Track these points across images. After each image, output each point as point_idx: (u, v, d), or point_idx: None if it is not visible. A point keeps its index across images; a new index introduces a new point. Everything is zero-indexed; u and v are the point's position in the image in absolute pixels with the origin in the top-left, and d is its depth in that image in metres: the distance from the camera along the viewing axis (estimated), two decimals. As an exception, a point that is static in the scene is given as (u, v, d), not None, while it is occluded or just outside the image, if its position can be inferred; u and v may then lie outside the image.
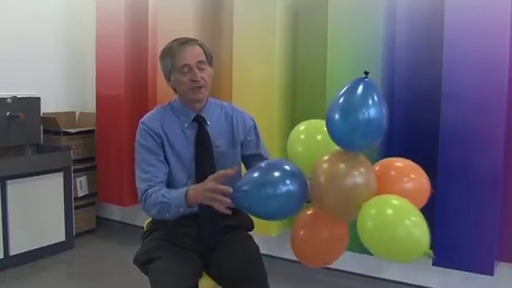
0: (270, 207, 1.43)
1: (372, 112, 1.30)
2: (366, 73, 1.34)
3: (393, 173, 1.48)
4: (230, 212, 1.50)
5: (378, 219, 1.32)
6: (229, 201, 1.46)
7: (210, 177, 1.53)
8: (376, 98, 1.32)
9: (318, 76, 2.71)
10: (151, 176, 1.72)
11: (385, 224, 1.31)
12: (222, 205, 1.47)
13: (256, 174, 1.45)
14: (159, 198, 1.64)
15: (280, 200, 1.41)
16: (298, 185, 1.42)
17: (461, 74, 2.31)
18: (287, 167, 1.45)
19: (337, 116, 1.34)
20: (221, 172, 1.53)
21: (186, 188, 1.62)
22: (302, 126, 1.65)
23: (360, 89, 1.32)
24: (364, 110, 1.30)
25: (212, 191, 1.48)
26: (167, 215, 1.65)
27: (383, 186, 1.41)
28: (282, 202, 1.42)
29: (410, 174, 1.48)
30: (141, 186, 1.72)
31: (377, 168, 1.49)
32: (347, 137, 1.36)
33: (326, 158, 1.43)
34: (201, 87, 1.74)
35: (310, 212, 1.58)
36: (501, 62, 2.22)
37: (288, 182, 1.41)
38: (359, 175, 1.37)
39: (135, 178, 1.77)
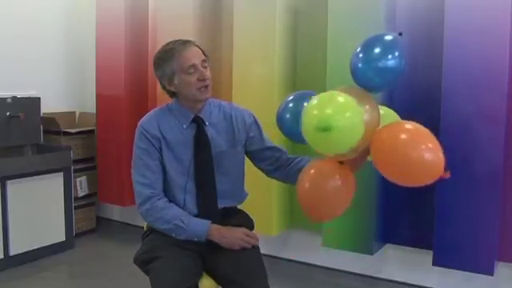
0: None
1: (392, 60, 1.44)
2: (400, 34, 1.49)
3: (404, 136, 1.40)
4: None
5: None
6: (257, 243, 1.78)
7: (243, 233, 1.76)
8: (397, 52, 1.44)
9: (318, 76, 2.71)
10: (152, 182, 1.75)
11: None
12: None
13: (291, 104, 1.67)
14: (174, 220, 1.70)
15: None
16: None
17: (461, 73, 2.31)
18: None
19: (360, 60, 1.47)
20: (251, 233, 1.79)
21: (208, 224, 1.72)
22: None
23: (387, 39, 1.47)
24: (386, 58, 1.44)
25: (243, 241, 1.74)
26: (174, 235, 1.72)
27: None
28: None
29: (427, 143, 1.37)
30: (143, 190, 1.74)
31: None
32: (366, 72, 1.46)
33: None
34: (207, 86, 1.75)
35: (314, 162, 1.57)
36: (501, 62, 2.22)
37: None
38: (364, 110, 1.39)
39: (132, 180, 1.78)
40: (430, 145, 1.35)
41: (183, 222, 1.70)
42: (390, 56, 1.44)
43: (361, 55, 1.47)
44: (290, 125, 1.63)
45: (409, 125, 1.43)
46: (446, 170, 1.34)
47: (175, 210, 1.74)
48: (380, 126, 1.46)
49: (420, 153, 1.34)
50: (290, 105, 1.67)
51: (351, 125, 1.30)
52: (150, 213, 1.73)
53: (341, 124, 1.28)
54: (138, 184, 1.75)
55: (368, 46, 1.48)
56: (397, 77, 1.48)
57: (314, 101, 1.36)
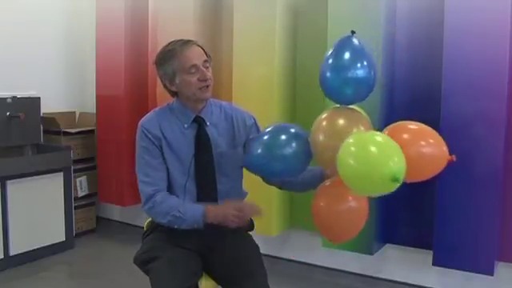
0: (279, 167, 1.57)
1: (360, 66, 1.43)
2: (353, 32, 1.46)
3: (406, 136, 1.44)
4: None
5: (359, 156, 1.31)
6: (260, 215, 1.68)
7: (234, 207, 1.67)
8: (362, 54, 1.43)
9: (318, 76, 2.71)
10: (155, 180, 1.74)
11: (367, 162, 1.30)
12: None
13: (265, 137, 1.61)
14: (172, 212, 1.68)
15: (285, 160, 1.55)
16: (302, 145, 1.53)
17: (461, 74, 2.31)
18: (292, 130, 1.60)
19: (328, 73, 1.48)
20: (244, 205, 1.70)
21: (202, 208, 1.68)
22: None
23: (348, 46, 1.44)
24: (353, 66, 1.43)
25: (237, 217, 1.65)
26: (176, 227, 1.70)
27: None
28: (288, 162, 1.56)
29: (427, 139, 1.43)
30: (145, 189, 1.73)
31: (386, 132, 1.47)
32: (338, 90, 1.48)
33: (324, 115, 1.50)
34: (208, 86, 1.75)
35: (327, 183, 1.58)
36: (501, 62, 2.22)
37: (293, 143, 1.54)
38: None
39: (137, 179, 1.77)
40: (430, 140, 1.42)
41: (180, 211, 1.68)
42: (358, 65, 1.42)
43: (329, 63, 1.48)
44: (261, 161, 1.60)
45: (409, 126, 1.48)
46: (450, 154, 1.42)
47: (173, 201, 1.72)
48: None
49: (424, 150, 1.41)
50: (265, 137, 1.63)
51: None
52: (152, 210, 1.72)
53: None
54: (141, 183, 1.75)
55: (336, 54, 1.47)
56: (366, 82, 1.46)
57: (380, 147, 1.30)
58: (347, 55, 1.44)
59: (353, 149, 1.31)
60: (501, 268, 2.45)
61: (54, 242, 3.33)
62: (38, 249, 3.22)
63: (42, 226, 3.26)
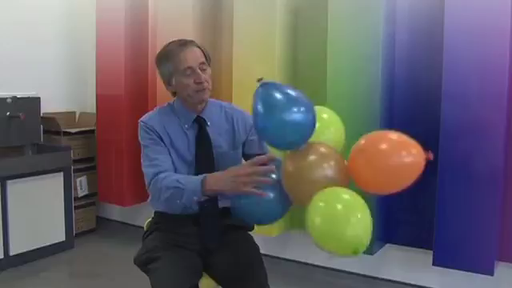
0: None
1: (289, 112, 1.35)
2: (259, 79, 1.37)
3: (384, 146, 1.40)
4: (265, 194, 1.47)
5: (325, 214, 1.34)
6: (269, 180, 1.47)
7: (247, 163, 1.52)
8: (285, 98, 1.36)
9: (318, 76, 2.71)
10: (159, 162, 1.69)
11: (332, 220, 1.33)
12: (254, 188, 1.47)
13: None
14: (173, 183, 1.59)
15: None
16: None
17: (461, 74, 2.31)
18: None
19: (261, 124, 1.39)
20: (259, 157, 1.50)
21: (202, 175, 1.58)
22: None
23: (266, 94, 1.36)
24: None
25: (249, 175, 1.47)
26: (178, 202, 1.59)
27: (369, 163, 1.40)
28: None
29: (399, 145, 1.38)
30: (149, 171, 1.68)
31: (362, 142, 1.42)
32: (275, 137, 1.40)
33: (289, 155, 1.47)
34: (205, 88, 1.74)
35: None
36: (501, 62, 2.22)
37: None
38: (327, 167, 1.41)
39: (143, 169, 1.72)
40: (402, 146, 1.37)
41: (180, 182, 1.58)
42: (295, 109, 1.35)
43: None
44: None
45: (375, 139, 1.43)
46: (427, 151, 1.34)
47: (177, 175, 1.65)
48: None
49: (400, 159, 1.37)
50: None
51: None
52: (154, 186, 1.64)
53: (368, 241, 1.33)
54: (145, 167, 1.71)
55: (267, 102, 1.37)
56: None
57: (341, 213, 1.34)
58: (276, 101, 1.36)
59: (319, 219, 1.34)
60: (501, 268, 2.45)
61: (54, 242, 3.33)
62: (37, 249, 3.22)
63: (42, 226, 3.26)
